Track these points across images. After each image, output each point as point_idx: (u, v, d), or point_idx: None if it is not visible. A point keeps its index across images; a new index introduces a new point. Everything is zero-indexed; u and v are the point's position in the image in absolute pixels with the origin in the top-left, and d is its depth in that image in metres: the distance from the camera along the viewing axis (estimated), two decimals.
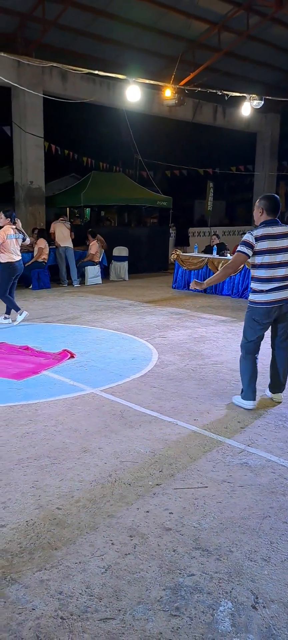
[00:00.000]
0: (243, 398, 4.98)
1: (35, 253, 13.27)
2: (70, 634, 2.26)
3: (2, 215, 8.88)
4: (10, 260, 8.79)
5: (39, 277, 13.09)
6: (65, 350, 6.69)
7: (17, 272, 8.98)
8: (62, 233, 13.81)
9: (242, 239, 4.85)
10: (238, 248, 4.83)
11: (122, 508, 3.20)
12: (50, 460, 3.80)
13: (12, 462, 3.76)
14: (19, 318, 8.82)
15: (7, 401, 5.04)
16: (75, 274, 13.75)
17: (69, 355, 6.53)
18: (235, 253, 4.89)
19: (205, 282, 5.21)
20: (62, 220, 14.23)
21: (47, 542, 2.87)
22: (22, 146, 15.53)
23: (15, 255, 8.89)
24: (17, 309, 8.92)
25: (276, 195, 4.95)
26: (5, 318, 8.97)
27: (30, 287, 13.11)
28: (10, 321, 8.92)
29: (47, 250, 13.24)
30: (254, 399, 4.95)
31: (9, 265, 8.79)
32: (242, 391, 5.02)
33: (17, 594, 2.50)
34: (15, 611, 2.39)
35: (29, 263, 13.01)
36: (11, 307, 8.94)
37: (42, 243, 13.15)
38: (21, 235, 9.10)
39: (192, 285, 5.24)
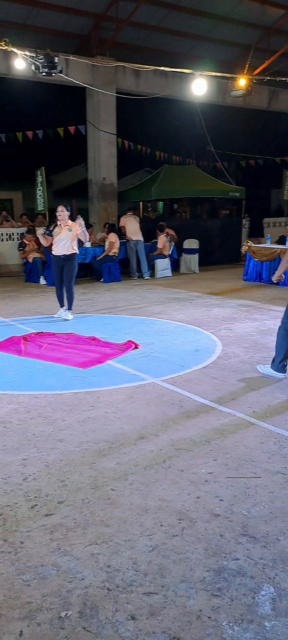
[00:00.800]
0: (275, 369, 5.49)
1: (106, 247, 13.60)
2: (115, 604, 2.39)
3: (63, 208, 9.15)
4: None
5: (110, 270, 13.40)
6: (129, 341, 6.87)
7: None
8: (133, 227, 14.03)
9: None
10: None
11: (173, 492, 3.29)
12: (108, 444, 3.96)
13: (73, 445, 3.96)
14: (63, 314, 9.08)
15: (72, 388, 5.28)
16: (145, 267, 13.96)
17: (133, 346, 6.70)
18: None
19: (274, 276, 5.50)
20: (130, 214, 14.44)
21: (100, 519, 3.03)
22: (95, 144, 15.93)
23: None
24: (63, 304, 9.17)
25: None
26: (65, 311, 9.20)
27: (102, 280, 13.46)
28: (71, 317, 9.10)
29: (117, 244, 13.52)
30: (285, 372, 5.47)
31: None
32: (273, 361, 5.51)
33: (68, 564, 2.66)
34: (66, 579, 2.55)
35: (101, 257, 13.37)
36: (70, 303, 9.12)
37: (113, 237, 13.45)
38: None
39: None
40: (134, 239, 13.92)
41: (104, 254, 13.46)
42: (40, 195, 16.18)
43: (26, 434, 4.18)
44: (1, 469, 3.59)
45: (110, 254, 13.51)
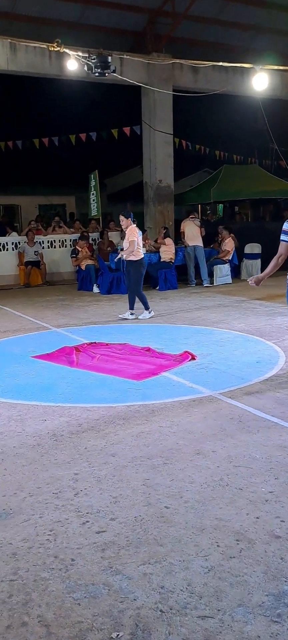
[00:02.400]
0: None
1: (161, 252, 13.69)
2: (168, 627, 2.42)
3: (123, 218, 9.51)
4: (141, 257, 9.81)
5: (166, 277, 13.50)
6: (186, 352, 6.90)
7: (145, 267, 10.13)
8: (191, 231, 14.02)
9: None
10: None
11: (231, 512, 3.29)
12: (163, 460, 4.00)
13: (126, 460, 4.02)
14: (148, 315, 9.68)
15: (126, 401, 5.36)
16: (205, 273, 13.90)
17: (190, 357, 6.73)
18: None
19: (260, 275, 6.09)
20: (192, 217, 14.47)
21: (153, 538, 3.07)
22: (151, 144, 16.10)
23: (142, 252, 9.96)
24: (148, 306, 9.81)
25: None
26: (132, 313, 9.79)
27: (157, 288, 13.56)
28: (135, 316, 9.75)
29: (173, 250, 13.59)
30: None
31: (141, 261, 9.78)
32: None
33: (120, 583, 2.72)
34: (117, 599, 2.61)
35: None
36: (144, 303, 9.79)
37: (168, 242, 13.52)
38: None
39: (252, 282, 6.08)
40: (191, 244, 13.92)
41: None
42: (93, 200, 16.53)
43: (78, 447, 4.29)
44: (52, 484, 3.71)
45: (167, 260, 13.59)
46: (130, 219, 9.66)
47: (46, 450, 4.26)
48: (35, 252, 15.55)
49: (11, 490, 3.63)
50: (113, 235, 16.34)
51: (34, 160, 21.89)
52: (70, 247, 16.05)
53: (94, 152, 21.02)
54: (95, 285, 13.93)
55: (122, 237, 15.85)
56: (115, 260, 12.88)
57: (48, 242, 16.42)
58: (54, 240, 16.56)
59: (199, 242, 13.95)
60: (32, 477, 3.82)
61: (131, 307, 9.87)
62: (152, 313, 9.89)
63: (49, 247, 16.35)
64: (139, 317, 9.76)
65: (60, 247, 16.53)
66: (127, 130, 17.15)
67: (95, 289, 13.85)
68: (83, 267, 14.38)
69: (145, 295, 9.98)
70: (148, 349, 7.24)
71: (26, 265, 15.44)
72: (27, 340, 8.57)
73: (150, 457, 4.07)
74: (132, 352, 7.17)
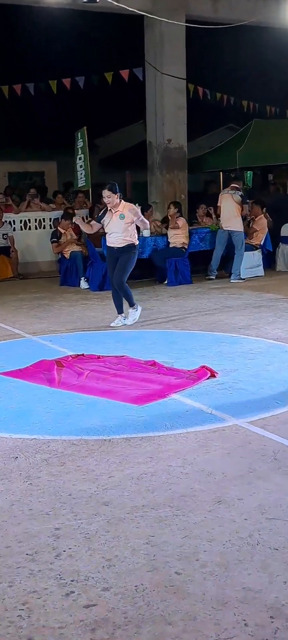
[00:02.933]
0: None
1: (169, 236, 13.70)
2: None
3: (110, 193, 9.52)
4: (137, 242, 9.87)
5: (177, 268, 13.52)
6: (204, 367, 6.90)
7: None
8: (226, 209, 13.78)
9: None
10: None
11: (263, 580, 3.28)
12: (172, 510, 4.00)
13: (124, 510, 4.02)
14: (135, 315, 9.72)
15: (124, 432, 5.35)
16: (237, 267, 13.68)
17: (209, 374, 6.72)
18: None
19: None
20: (233, 186, 14.13)
21: (160, 614, 3.06)
22: (157, 93, 16.13)
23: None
24: (133, 301, 9.86)
25: None
26: (124, 318, 9.78)
27: (166, 282, 13.60)
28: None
29: (186, 232, 13.60)
30: None
31: (137, 248, 9.92)
32: None
33: None
34: None
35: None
36: (129, 300, 9.78)
37: (180, 222, 13.54)
38: None
39: None
40: (225, 227, 13.78)
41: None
42: (81, 167, 16.58)
43: (60, 494, 4.28)
44: (26, 542, 3.70)
45: (178, 245, 13.61)
46: (118, 194, 9.62)
47: (18, 498, 4.26)
48: (3, 235, 15.60)
49: None
50: None
51: (2, 114, 21.98)
52: (50, 228, 16.08)
53: (81, 104, 21.13)
54: (82, 279, 13.96)
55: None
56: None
57: (21, 222, 16.47)
58: (29, 220, 16.60)
59: (236, 225, 13.67)
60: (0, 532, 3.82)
61: (121, 310, 9.86)
62: (140, 309, 9.92)
63: (22, 229, 16.40)
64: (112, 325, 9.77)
65: (37, 228, 16.59)
66: (125, 73, 17.17)
67: (83, 284, 13.88)
68: (67, 255, 14.39)
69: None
70: (154, 363, 7.23)
71: None
72: None
73: (156, 506, 4.06)
74: (131, 368, 7.16)
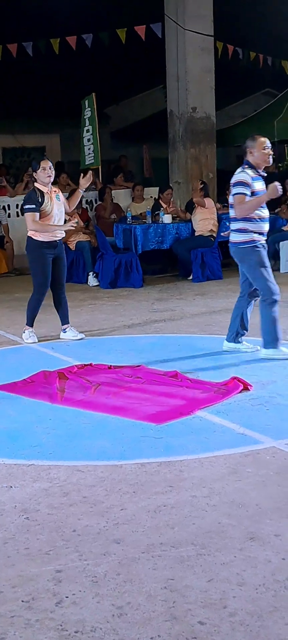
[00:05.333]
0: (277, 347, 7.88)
1: (195, 223, 13.68)
2: None
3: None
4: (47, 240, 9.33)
5: (204, 261, 13.48)
6: (235, 378, 6.89)
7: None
8: None
9: None
10: None
11: None
12: (196, 549, 3.99)
13: (138, 549, 4.01)
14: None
15: (139, 456, 5.34)
16: (286, 262, 13.79)
17: (241, 387, 6.71)
18: None
19: None
20: None
21: None
22: (179, 53, 16.09)
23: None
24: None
25: None
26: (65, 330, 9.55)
27: (190, 277, 13.62)
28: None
29: (214, 218, 13.57)
30: None
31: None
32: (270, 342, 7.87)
33: None
34: None
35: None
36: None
37: (208, 202, 13.51)
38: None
39: None
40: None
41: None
42: (88, 140, 16.59)
43: (62, 530, 4.29)
44: (22, 586, 3.71)
45: (205, 233, 13.59)
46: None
47: (12, 534, 4.27)
48: None
49: None
50: (119, 195, 16.36)
51: None
52: None
53: (89, 66, 21.07)
54: (91, 274, 13.97)
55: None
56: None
57: (17, 207, 16.48)
58: None
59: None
60: None
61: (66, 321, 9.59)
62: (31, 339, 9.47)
63: (18, 216, 16.41)
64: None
65: None
66: (141, 30, 17.09)
67: (92, 280, 13.90)
68: (72, 247, 14.41)
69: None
70: (176, 375, 7.23)
71: None
72: None
73: (176, 544, 4.05)
74: (149, 380, 7.17)
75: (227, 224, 13.72)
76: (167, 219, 13.52)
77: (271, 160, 8.11)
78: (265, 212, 7.97)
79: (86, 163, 16.82)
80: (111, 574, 3.78)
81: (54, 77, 22.52)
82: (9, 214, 16.28)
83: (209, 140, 16.47)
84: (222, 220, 13.96)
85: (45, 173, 9.14)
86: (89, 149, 16.65)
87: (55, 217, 9.19)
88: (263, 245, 7.98)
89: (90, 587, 3.68)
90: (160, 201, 14.79)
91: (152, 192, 16.51)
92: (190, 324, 9.94)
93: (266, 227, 8.01)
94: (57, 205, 9.23)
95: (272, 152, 8.11)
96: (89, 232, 14.61)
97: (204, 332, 9.48)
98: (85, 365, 7.78)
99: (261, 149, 7.95)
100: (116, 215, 15.39)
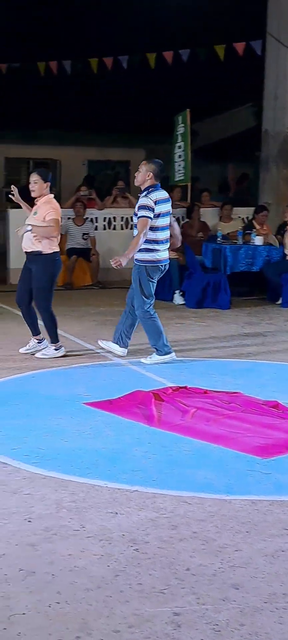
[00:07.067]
0: (164, 354, 8.95)
1: (286, 246, 13.49)
2: None
3: (37, 177, 9.20)
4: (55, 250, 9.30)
5: None
6: None
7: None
8: None
9: None
10: None
11: None
12: None
13: (260, 598, 3.80)
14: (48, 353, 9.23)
15: (247, 492, 5.18)
16: None
17: None
18: None
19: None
20: None
21: None
22: (279, 70, 15.94)
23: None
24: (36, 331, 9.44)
25: None
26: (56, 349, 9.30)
27: (279, 302, 13.45)
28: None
29: None
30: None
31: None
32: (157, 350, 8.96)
33: None
34: None
35: None
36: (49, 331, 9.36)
37: None
38: None
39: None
40: None
41: None
42: (179, 157, 16.51)
43: (175, 567, 4.11)
44: (139, 627, 3.52)
45: None
46: (48, 182, 9.25)
47: (122, 566, 4.11)
48: (83, 235, 15.65)
49: (71, 632, 3.48)
50: (207, 213, 16.20)
51: (83, 91, 22.08)
52: None
53: (182, 81, 20.91)
54: (177, 292, 13.81)
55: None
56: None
57: (104, 220, 16.48)
58: (114, 218, 16.60)
59: None
60: (104, 611, 3.66)
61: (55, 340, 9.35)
62: (59, 353, 9.32)
63: (105, 228, 16.44)
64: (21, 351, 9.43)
65: (122, 228, 16.55)
66: (239, 47, 16.87)
67: (178, 299, 13.74)
68: None
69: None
70: (276, 405, 7.06)
71: (69, 254, 15.55)
72: (75, 375, 8.59)
73: None
74: (248, 409, 7.00)
75: None
76: (258, 240, 13.31)
77: None
78: None
79: (175, 179, 16.74)
80: (233, 624, 3.57)
81: (143, 91, 22.50)
82: (96, 226, 16.23)
83: None
84: None
85: (30, 185, 9.22)
86: (179, 165, 16.57)
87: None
88: None
89: (213, 636, 3.48)
90: (254, 222, 14.59)
91: (240, 212, 16.36)
92: (284, 352, 9.73)
93: None
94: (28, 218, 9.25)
95: None
96: (176, 249, 14.45)
97: None
98: (180, 387, 7.64)
99: None
100: (203, 234, 15.24)
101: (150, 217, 8.70)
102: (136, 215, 8.94)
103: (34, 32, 20.43)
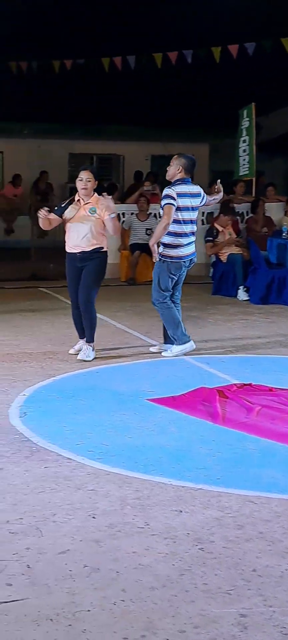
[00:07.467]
0: (184, 343, 9.10)
1: None
2: None
3: (90, 175, 8.99)
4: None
5: None
6: None
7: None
8: None
9: None
10: None
11: None
12: None
13: None
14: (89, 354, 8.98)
15: None
16: None
17: None
18: None
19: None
20: None
21: None
22: None
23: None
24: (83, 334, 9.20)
25: None
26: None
27: None
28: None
29: None
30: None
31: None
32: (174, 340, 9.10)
33: None
34: None
35: None
36: (89, 330, 9.14)
37: None
38: None
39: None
40: None
41: None
42: (244, 151, 16.43)
43: (241, 567, 4.06)
44: (205, 627, 3.49)
45: None
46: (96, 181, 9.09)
47: (188, 565, 4.08)
48: (147, 230, 15.62)
49: (136, 631, 3.46)
50: (272, 208, 16.06)
51: (147, 86, 22.04)
52: (203, 224, 15.89)
53: (247, 74, 20.71)
54: (241, 288, 13.71)
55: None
56: None
57: None
58: None
59: None
60: (169, 610, 3.63)
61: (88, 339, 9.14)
62: (92, 355, 9.02)
63: None
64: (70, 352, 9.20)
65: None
66: None
67: (242, 294, 13.65)
68: (224, 259, 14.24)
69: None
70: None
71: (132, 249, 15.56)
72: (138, 371, 8.61)
73: None
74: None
75: None
76: None
77: None
78: None
79: (240, 174, 16.67)
80: None
81: (208, 85, 22.35)
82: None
83: None
84: None
85: (80, 184, 8.89)
86: (244, 159, 16.49)
87: (73, 229, 8.94)
88: None
89: (281, 639, 3.41)
90: None
91: None
92: None
93: None
94: (82, 217, 8.90)
95: None
96: (241, 244, 14.36)
97: None
98: (244, 384, 7.60)
99: None
100: (268, 229, 15.11)
101: (173, 205, 8.85)
102: (161, 206, 9.22)
103: (98, 28, 20.44)
